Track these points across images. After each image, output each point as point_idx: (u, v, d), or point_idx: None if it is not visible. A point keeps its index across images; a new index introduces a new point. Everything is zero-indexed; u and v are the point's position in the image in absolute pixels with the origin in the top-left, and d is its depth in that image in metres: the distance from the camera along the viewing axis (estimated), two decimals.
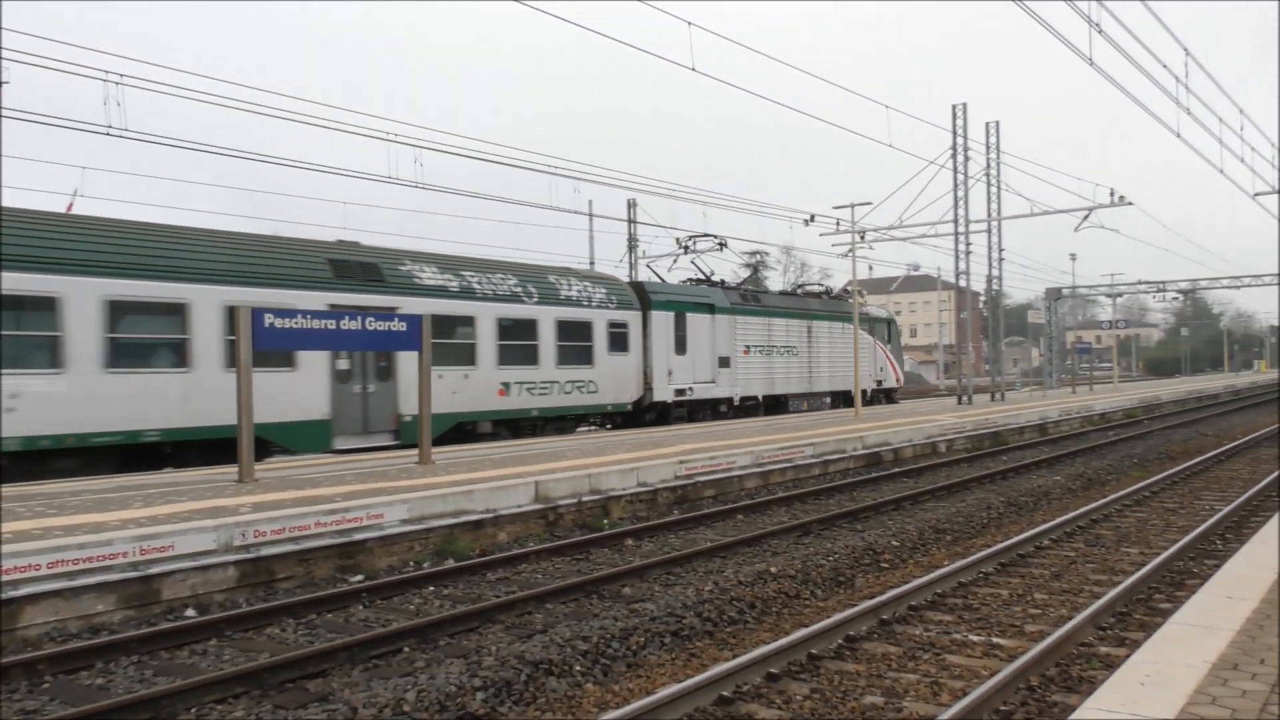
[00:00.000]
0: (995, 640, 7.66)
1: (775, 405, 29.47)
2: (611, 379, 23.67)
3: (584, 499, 13.03)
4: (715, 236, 30.03)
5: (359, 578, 9.91)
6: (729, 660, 6.98)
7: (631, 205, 39.95)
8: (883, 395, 34.93)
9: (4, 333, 13.65)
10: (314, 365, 17.23)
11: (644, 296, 24.99)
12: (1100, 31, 14.78)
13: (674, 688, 6.18)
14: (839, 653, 7.36)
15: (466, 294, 20.42)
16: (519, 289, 21.66)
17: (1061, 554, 10.99)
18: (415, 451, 15.64)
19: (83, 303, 14.47)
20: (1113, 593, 8.46)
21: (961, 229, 33.02)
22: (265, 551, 9.51)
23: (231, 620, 8.19)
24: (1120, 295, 64.12)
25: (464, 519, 11.44)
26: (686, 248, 30.15)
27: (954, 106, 32.94)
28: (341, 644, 7.30)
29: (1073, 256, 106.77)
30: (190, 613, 8.62)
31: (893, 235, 34.18)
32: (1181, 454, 22.02)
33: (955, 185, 32.75)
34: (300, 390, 17.11)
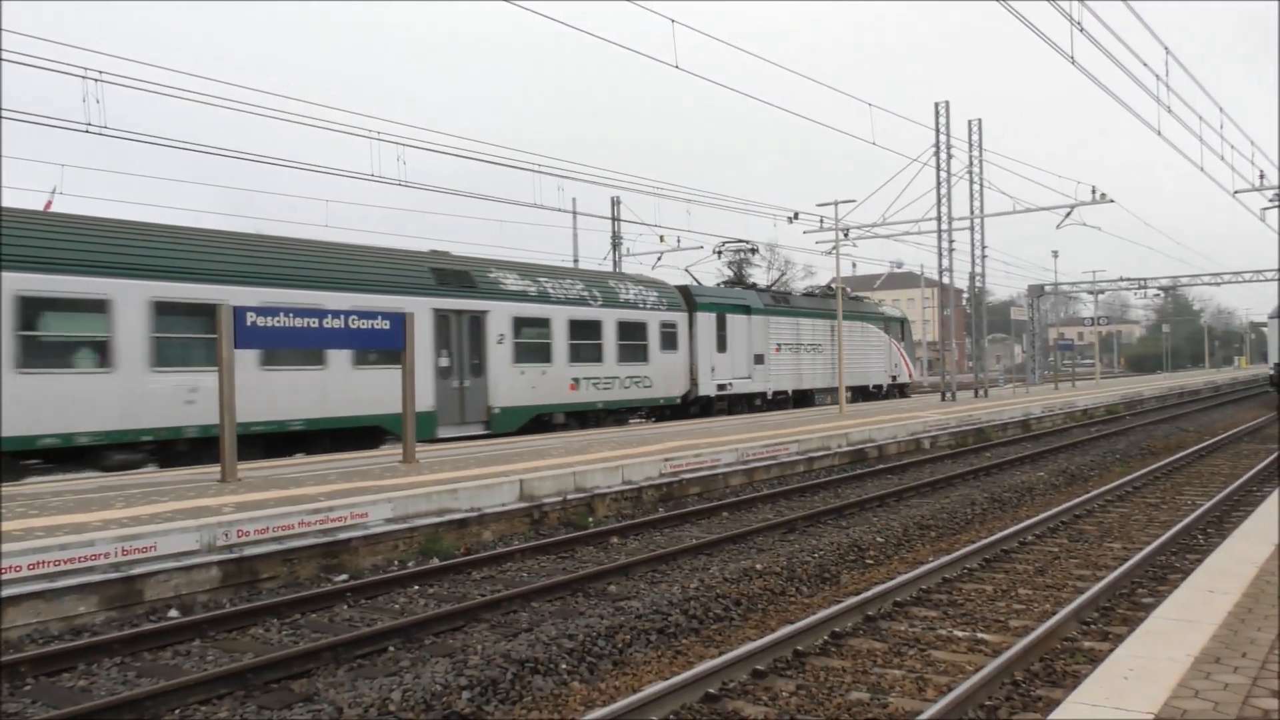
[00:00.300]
0: (980, 635, 7.69)
1: (802, 399, 31.61)
2: (663, 375, 25.91)
3: (569, 497, 13.01)
4: (748, 242, 34.16)
5: (343, 577, 9.87)
6: (715, 658, 6.99)
7: (615, 203, 39.93)
8: (897, 390, 37.02)
9: (187, 336, 16.27)
10: (421, 362, 18.58)
11: (690, 299, 27.13)
12: (1082, 30, 14.86)
13: (660, 685, 6.18)
14: (825, 649, 7.37)
15: (543, 298, 22.63)
16: (585, 293, 23.84)
17: (1045, 549, 11.05)
18: (399, 450, 15.59)
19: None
20: (1096, 588, 8.52)
21: (944, 226, 33.15)
22: (249, 551, 9.45)
23: (215, 621, 8.14)
24: (1102, 292, 64.55)
25: (448, 518, 11.40)
26: (719, 252, 34.36)
27: (937, 104, 33.06)
28: (326, 644, 7.26)
29: (1055, 254, 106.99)
30: (173, 613, 8.56)
31: (876, 233, 34.29)
32: (1163, 449, 22.19)
33: (938, 183, 32.88)
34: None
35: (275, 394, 16.89)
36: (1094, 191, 32.19)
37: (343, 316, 13.83)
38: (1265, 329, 38.98)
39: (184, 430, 15.97)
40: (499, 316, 21.12)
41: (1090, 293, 63.18)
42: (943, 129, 32.83)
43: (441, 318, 20.14)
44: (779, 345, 29.92)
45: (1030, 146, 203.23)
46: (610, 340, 24.05)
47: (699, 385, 26.92)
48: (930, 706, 5.76)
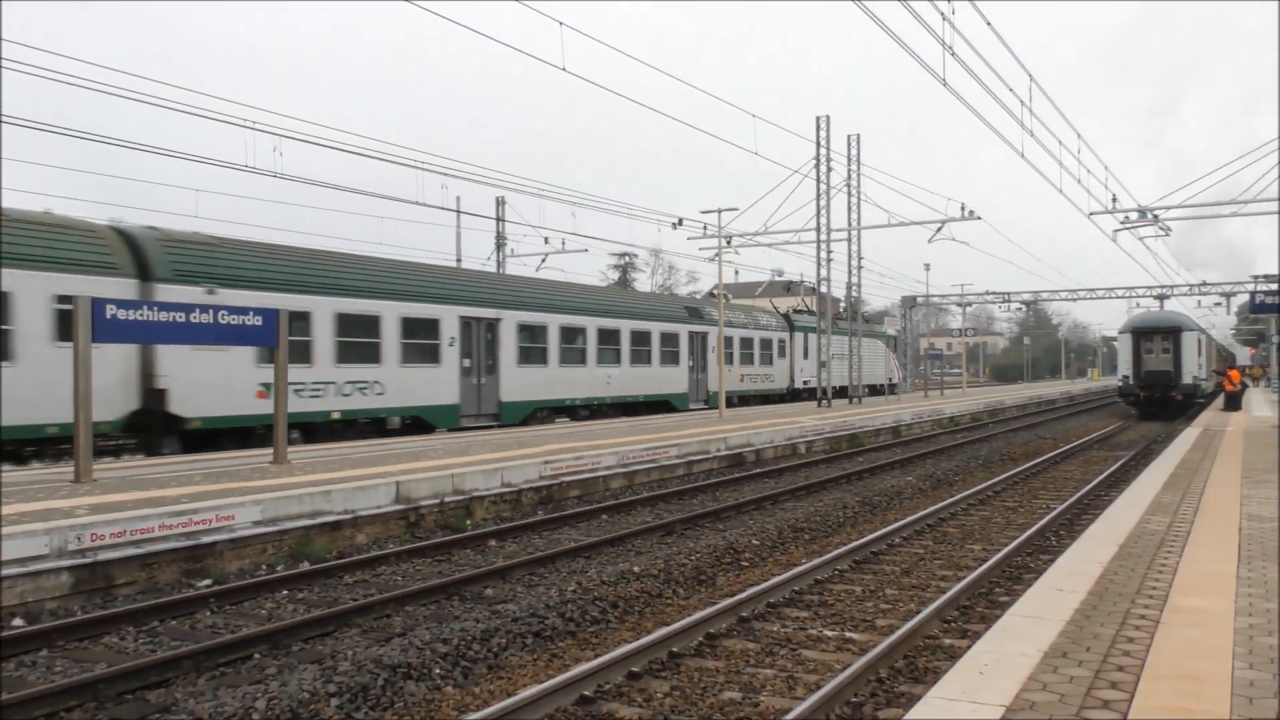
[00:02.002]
0: (849, 635, 7.93)
1: (838, 394, 40.54)
2: (780, 373, 38.90)
3: (446, 499, 12.83)
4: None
5: (207, 582, 9.49)
6: (591, 660, 7.01)
7: (500, 203, 39.59)
8: (888, 389, 48.84)
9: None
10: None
11: (790, 322, 39.95)
12: (953, 55, 15.49)
13: (535, 688, 6.16)
14: (699, 650, 7.47)
15: (706, 321, 33.77)
16: (748, 321, 36.86)
17: (912, 551, 11.46)
18: (269, 451, 15.08)
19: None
20: (957, 587, 8.88)
21: (823, 237, 34.03)
22: (103, 556, 8.98)
23: (65, 629, 7.71)
24: (970, 304, 67.37)
25: (321, 520, 11.09)
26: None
27: (818, 119, 33.87)
28: (186, 652, 6.97)
29: (927, 267, 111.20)
30: (18, 622, 8.06)
31: (758, 241, 34.95)
32: (1022, 455, 23.30)
33: (818, 195, 33.73)
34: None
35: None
36: (963, 208, 33.59)
37: (211, 312, 13.30)
38: (1116, 343, 41.36)
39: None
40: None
41: (959, 305, 65.88)
42: (823, 142, 33.71)
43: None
44: (823, 359, 37.27)
45: (906, 162, 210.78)
46: (758, 351, 37.18)
47: (794, 381, 39.59)
48: (799, 704, 5.90)
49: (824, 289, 35.19)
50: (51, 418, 15.40)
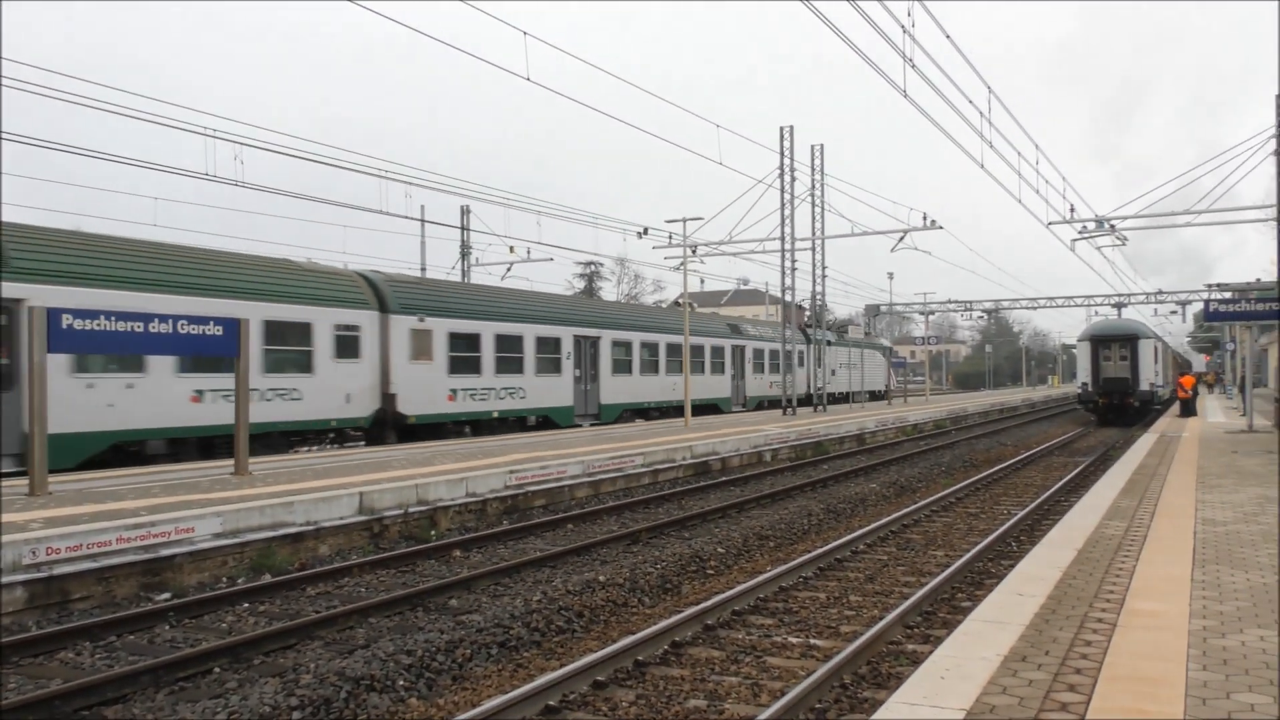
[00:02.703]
0: (813, 641, 7.97)
1: (845, 398, 47.79)
2: (800, 382, 40.86)
3: (410, 510, 12.74)
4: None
5: (166, 596, 9.35)
6: (556, 669, 6.99)
7: (465, 212, 39.45)
8: (883, 394, 54.64)
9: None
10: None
11: (806, 333, 43.63)
12: (913, 66, 15.68)
13: (499, 699, 6.14)
14: (665, 659, 7.48)
15: (745, 336, 39.74)
16: (775, 336, 40.90)
17: (875, 558, 11.54)
18: (230, 463, 14.90)
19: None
20: (919, 593, 8.96)
21: (788, 246, 34.24)
22: (59, 570, 8.83)
23: (18, 645, 7.56)
24: (932, 313, 68.09)
25: (282, 532, 10.97)
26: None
27: (782, 128, 34.11)
28: (145, 666, 6.87)
29: (890, 275, 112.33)
30: None
31: (723, 250, 35.10)
32: (984, 462, 23.56)
33: (782, 204, 33.95)
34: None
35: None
36: (925, 218, 33.97)
37: (170, 321, 13.12)
38: (1075, 350, 42.00)
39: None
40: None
41: (922, 313, 66.56)
42: (787, 152, 33.95)
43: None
44: (834, 368, 44.82)
45: (869, 173, 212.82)
46: (778, 361, 40.64)
47: (811, 386, 42.39)
48: (763, 711, 5.93)
49: (789, 298, 35.39)
50: (333, 415, 20.74)
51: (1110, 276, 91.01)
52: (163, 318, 13.14)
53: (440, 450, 19.31)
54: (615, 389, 30.66)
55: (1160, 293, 56.89)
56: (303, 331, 20.03)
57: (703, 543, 12.04)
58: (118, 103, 17.24)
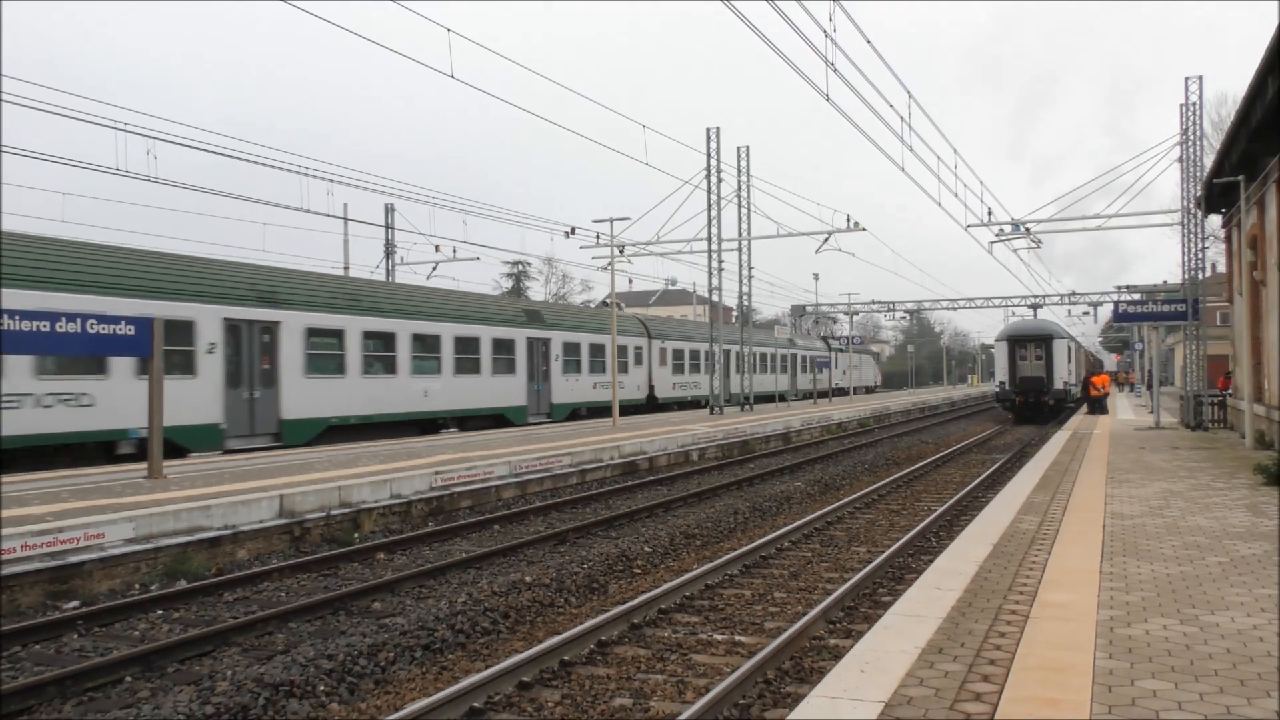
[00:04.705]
0: (738, 638, 8.04)
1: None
2: (825, 379, 53.49)
3: (333, 512, 12.52)
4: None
5: (74, 604, 9.03)
6: (481, 671, 6.93)
7: (389, 210, 38.90)
8: (877, 388, 72.11)
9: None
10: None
11: (828, 344, 57.58)
12: (835, 70, 15.92)
13: (423, 702, 6.06)
14: (591, 658, 7.47)
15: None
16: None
17: (800, 554, 11.69)
18: (144, 466, 14.46)
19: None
20: (842, 589, 9.11)
21: (715, 247, 34.51)
22: None
23: None
24: (857, 313, 69.21)
25: (199, 536, 10.69)
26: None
27: (708, 130, 34.37)
28: (51, 677, 6.63)
29: (816, 276, 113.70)
30: None
31: (651, 250, 35.22)
32: (906, 460, 24.04)
33: (709, 205, 34.20)
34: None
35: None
36: (849, 219, 34.53)
37: (79, 320, 12.68)
38: (994, 350, 43.15)
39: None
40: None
41: (846, 313, 67.62)
42: (714, 154, 34.20)
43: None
44: (845, 370, 58.56)
45: (794, 174, 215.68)
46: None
47: (829, 384, 53.84)
48: (688, 708, 5.96)
49: (716, 298, 35.66)
50: None
51: (1026, 278, 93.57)
52: (70, 316, 12.70)
53: (365, 452, 19.00)
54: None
55: (1074, 294, 58.76)
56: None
57: (630, 542, 12.06)
58: (24, 94, 16.62)
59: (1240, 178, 18.26)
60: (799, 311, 66.54)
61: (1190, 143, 25.68)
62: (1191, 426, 24.88)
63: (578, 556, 11.12)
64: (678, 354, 40.52)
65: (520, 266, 75.32)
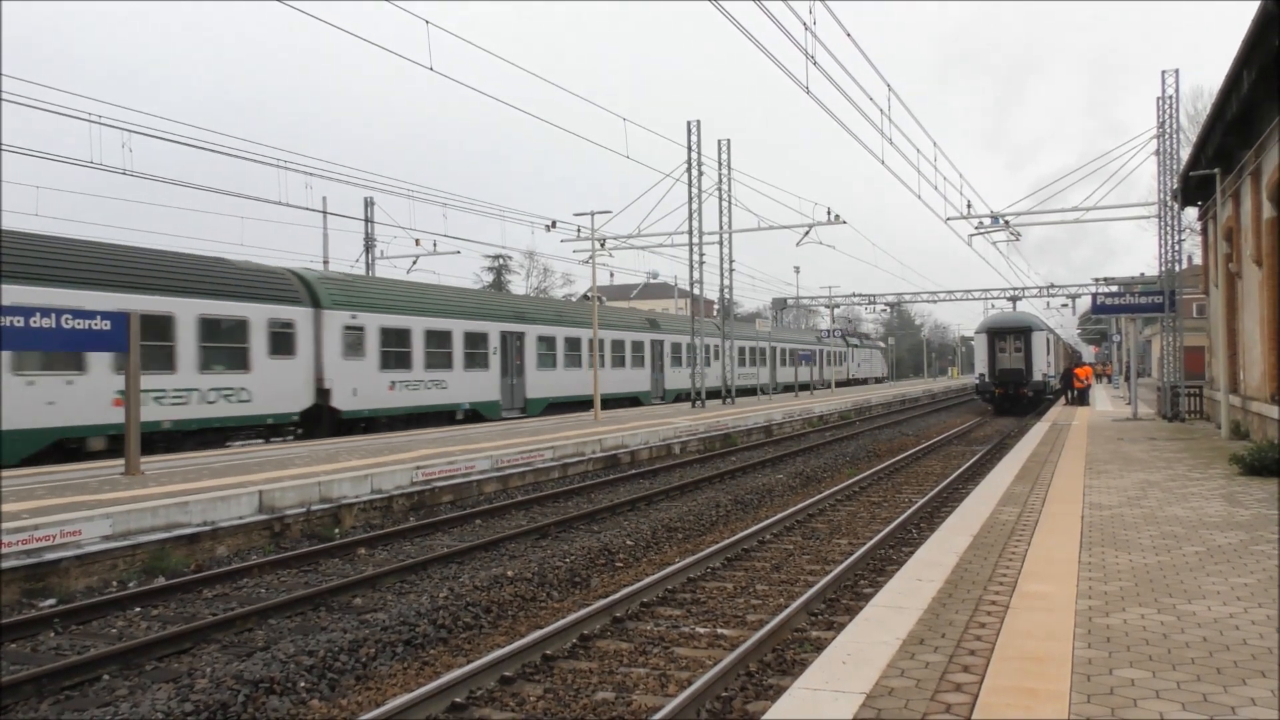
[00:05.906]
0: (720, 631, 8.05)
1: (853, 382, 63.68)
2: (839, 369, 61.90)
3: (313, 508, 12.45)
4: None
5: (50, 602, 8.95)
6: (463, 666, 6.92)
7: (369, 204, 38.69)
8: (887, 379, 78.17)
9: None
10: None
11: (846, 339, 60.54)
12: (815, 64, 15.94)
13: (404, 697, 6.04)
14: (573, 652, 7.47)
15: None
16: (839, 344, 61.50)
17: (781, 547, 11.73)
18: (121, 462, 14.33)
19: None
20: (823, 581, 9.14)
21: (696, 240, 34.51)
22: None
23: None
24: (837, 306, 69.49)
25: (177, 533, 10.61)
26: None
27: (689, 123, 34.29)
28: (27, 676, 6.56)
29: (797, 269, 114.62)
30: None
31: (632, 244, 35.23)
32: (886, 452, 24.14)
33: (690, 198, 34.18)
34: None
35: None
36: (829, 213, 34.64)
37: (53, 316, 12.55)
38: (974, 342, 43.39)
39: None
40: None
41: (827, 306, 67.88)
42: (694, 147, 34.17)
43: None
44: (860, 362, 66.91)
45: (775, 168, 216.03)
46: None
47: (849, 374, 61.62)
48: (670, 701, 5.96)
49: (697, 291, 35.68)
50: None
51: (1005, 270, 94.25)
52: (44, 311, 12.57)
53: (345, 447, 18.91)
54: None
55: (1052, 287, 59.21)
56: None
57: (612, 536, 12.06)
58: None
59: (1216, 171, 18.43)
60: (780, 304, 66.69)
61: (1167, 136, 25.90)
62: (1169, 417, 25.12)
63: (560, 550, 11.11)
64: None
65: (501, 260, 75.15)
